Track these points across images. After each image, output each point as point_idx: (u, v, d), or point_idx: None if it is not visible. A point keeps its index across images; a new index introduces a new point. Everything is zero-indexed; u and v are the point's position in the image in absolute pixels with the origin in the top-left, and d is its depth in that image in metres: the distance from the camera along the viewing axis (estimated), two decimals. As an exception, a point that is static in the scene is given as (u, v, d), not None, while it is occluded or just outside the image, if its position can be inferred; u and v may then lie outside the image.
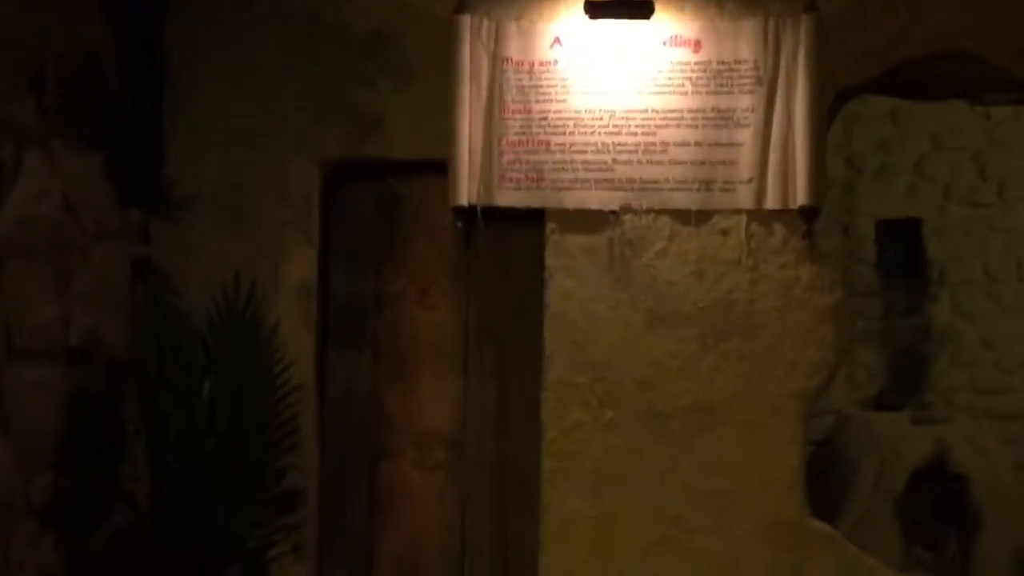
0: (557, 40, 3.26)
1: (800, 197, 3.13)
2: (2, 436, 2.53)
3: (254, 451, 3.08)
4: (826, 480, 5.19)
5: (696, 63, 3.21)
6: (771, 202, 3.16)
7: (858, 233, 6.03)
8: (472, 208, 3.23)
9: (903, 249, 5.88)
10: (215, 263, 3.24)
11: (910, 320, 6.02)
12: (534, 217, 3.20)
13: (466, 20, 3.25)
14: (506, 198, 3.24)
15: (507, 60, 3.27)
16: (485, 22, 3.27)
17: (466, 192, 3.23)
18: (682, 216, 3.17)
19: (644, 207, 3.19)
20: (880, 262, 6.09)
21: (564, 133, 3.24)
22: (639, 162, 3.21)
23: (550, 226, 3.22)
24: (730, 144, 3.19)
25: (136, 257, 3.21)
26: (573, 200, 3.22)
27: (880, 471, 5.45)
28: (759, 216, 3.17)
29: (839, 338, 3.13)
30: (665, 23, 3.23)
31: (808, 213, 3.15)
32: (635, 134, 3.22)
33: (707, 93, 3.21)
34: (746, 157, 3.18)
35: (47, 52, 2.73)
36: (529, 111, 3.26)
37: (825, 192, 3.18)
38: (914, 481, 5.45)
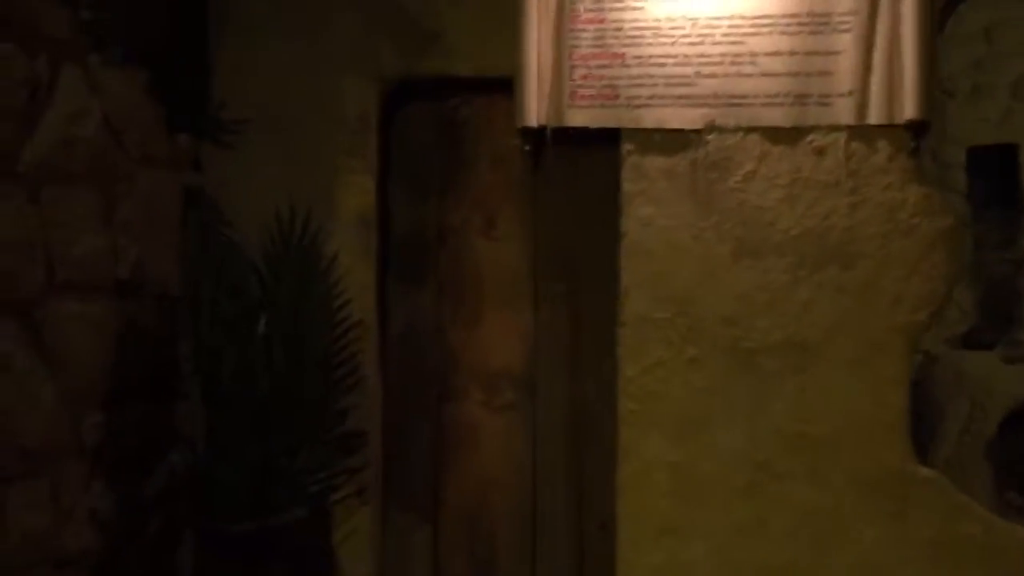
0: (631, -58, 2.95)
1: (908, 110, 2.81)
2: (46, 373, 2.38)
3: (313, 390, 2.90)
4: (912, 422, 4.90)
5: (790, -37, 2.89)
6: (874, 116, 2.84)
7: (947, 160, 5.63)
8: (541, 129, 2.97)
9: (996, 178, 5.47)
10: (269, 191, 3.04)
11: (1003, 253, 5.63)
12: (609, 138, 2.90)
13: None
14: (578, 118, 2.97)
15: None
16: (547, -77, 2.97)
17: (534, 112, 2.97)
18: (773, 134, 2.86)
19: (731, 125, 2.90)
20: (971, 192, 5.69)
21: (641, 44, 2.95)
22: (725, 75, 2.91)
23: (626, 147, 2.94)
24: (828, 52, 2.87)
25: (187, 185, 3.02)
26: (652, 119, 2.93)
27: (970, 413, 5.15)
28: (860, 132, 2.85)
29: (950, 267, 2.83)
30: (755, -81, 2.90)
31: (917, 128, 2.83)
32: (720, 44, 2.91)
33: None
34: (846, 67, 2.86)
35: (80, -42, 2.52)
36: (602, 20, 2.97)
37: (936, 105, 2.85)
38: (1007, 423, 5.14)
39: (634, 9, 2.96)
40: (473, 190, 3.17)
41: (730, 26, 2.91)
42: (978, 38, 5.57)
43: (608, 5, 2.97)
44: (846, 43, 2.86)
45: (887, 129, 2.84)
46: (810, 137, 2.89)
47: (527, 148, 3.00)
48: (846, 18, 2.86)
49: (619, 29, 2.96)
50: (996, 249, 5.67)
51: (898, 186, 2.86)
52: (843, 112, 2.86)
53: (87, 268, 2.55)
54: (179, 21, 2.97)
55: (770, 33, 2.89)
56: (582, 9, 2.98)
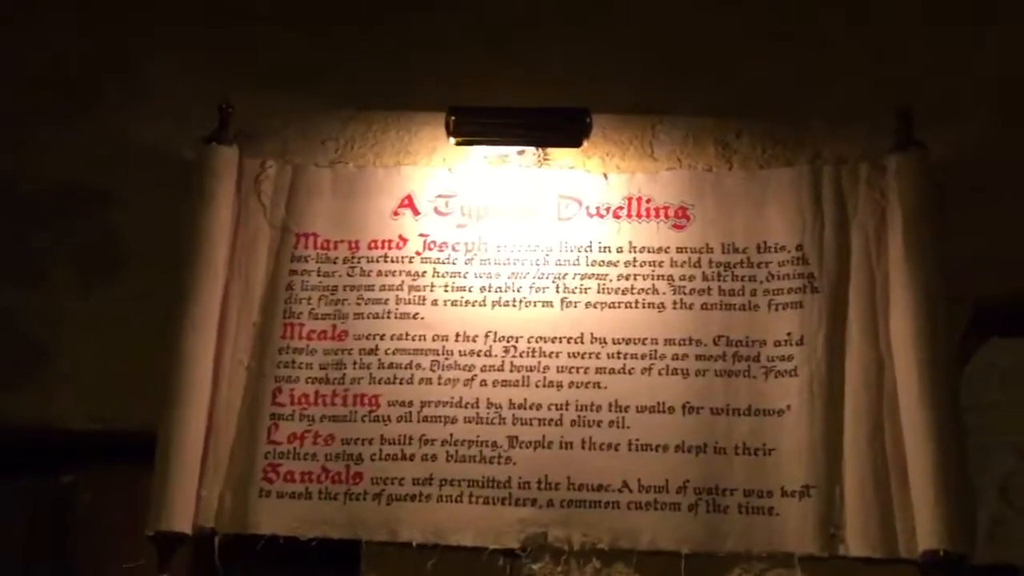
0: (408, 200, 1.67)
1: (924, 535, 1.41)
2: None
3: None
4: None
5: (681, 250, 1.61)
6: (856, 542, 1.44)
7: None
8: (205, 537, 1.47)
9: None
10: None
11: None
12: (339, 559, 1.50)
13: (230, 157, 1.65)
14: (278, 518, 1.52)
15: (306, 237, 1.67)
16: (271, 165, 1.70)
17: (190, 505, 1.49)
18: (660, 565, 1.48)
19: (575, 542, 1.47)
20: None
21: (411, 381, 1.56)
22: (565, 444, 1.52)
23: None
24: (757, 411, 1.52)
25: None
26: (422, 525, 1.52)
27: None
28: (831, 572, 1.46)
29: None
30: (617, 176, 1.65)
31: (943, 568, 1.40)
32: (557, 386, 1.55)
33: (704, 307, 1.58)
34: (794, 441, 1.49)
35: None
36: (343, 336, 1.61)
37: (975, 523, 1.46)
38: None
39: (403, 317, 1.61)
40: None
41: (575, 354, 1.57)
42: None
43: (355, 308, 1.62)
44: (791, 394, 1.52)
45: (885, 569, 1.43)
46: (734, 575, 1.44)
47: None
48: (788, 350, 1.54)
49: (372, 352, 1.58)
50: None
51: None
52: (794, 528, 1.48)
53: None
54: None
55: (648, 370, 1.55)
56: (307, 312, 1.62)
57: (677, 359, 1.54)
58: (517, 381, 1.55)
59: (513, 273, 1.60)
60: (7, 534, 1.66)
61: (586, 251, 1.61)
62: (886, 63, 1.70)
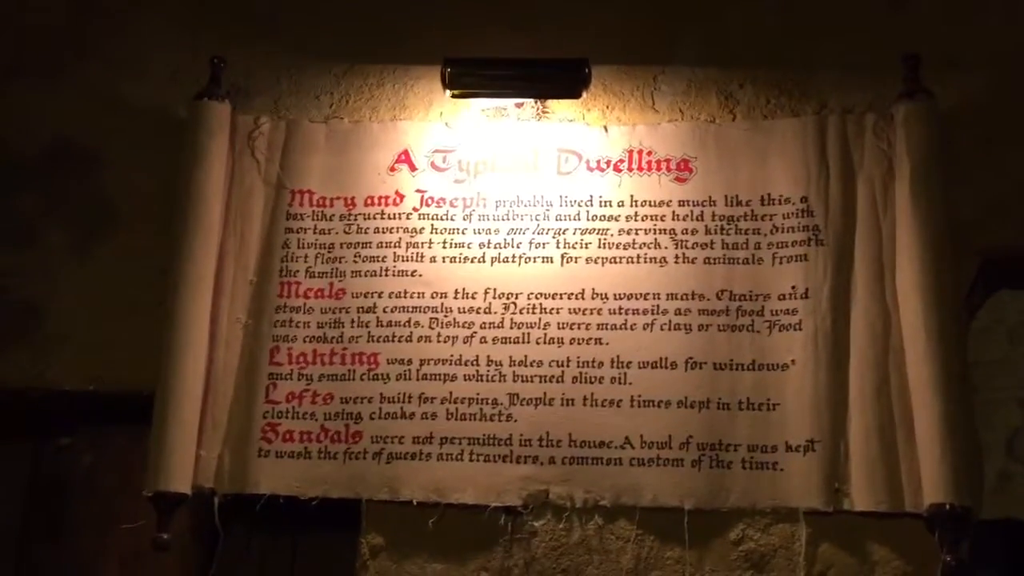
0: (404, 155, 1.64)
1: (930, 489, 1.39)
2: None
3: None
4: None
5: (683, 203, 1.59)
6: (860, 497, 1.43)
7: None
8: (205, 497, 1.47)
9: (1004, 562, 3.98)
10: None
11: None
12: (340, 518, 1.52)
13: (222, 113, 1.62)
14: (277, 477, 1.52)
15: (302, 194, 1.64)
16: (264, 122, 1.67)
17: (188, 465, 1.49)
18: (661, 521, 1.46)
19: (577, 500, 1.47)
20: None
21: (410, 339, 1.54)
22: (565, 401, 1.50)
23: (371, 541, 1.48)
24: (761, 365, 1.50)
25: None
26: (422, 483, 1.51)
27: None
28: (836, 527, 1.43)
29: None
30: (617, 129, 1.61)
31: (949, 521, 1.38)
32: (558, 342, 1.53)
33: (707, 262, 1.56)
34: (798, 395, 1.47)
35: None
36: (340, 294, 1.59)
37: (982, 476, 1.44)
38: None
39: (400, 274, 1.58)
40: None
41: (575, 310, 1.54)
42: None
43: (352, 266, 1.60)
44: (795, 348, 1.50)
45: (889, 523, 1.39)
46: (737, 531, 1.48)
47: (164, 538, 1.45)
48: (792, 303, 1.51)
49: (370, 310, 1.56)
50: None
51: (925, 645, 1.38)
52: (799, 483, 1.47)
53: None
54: None
55: (650, 325, 1.52)
56: (304, 271, 1.60)
57: (679, 314, 1.52)
58: (517, 338, 1.53)
59: (512, 229, 1.58)
60: (6, 496, 1.66)
61: (586, 205, 1.58)
62: (893, 11, 1.66)
